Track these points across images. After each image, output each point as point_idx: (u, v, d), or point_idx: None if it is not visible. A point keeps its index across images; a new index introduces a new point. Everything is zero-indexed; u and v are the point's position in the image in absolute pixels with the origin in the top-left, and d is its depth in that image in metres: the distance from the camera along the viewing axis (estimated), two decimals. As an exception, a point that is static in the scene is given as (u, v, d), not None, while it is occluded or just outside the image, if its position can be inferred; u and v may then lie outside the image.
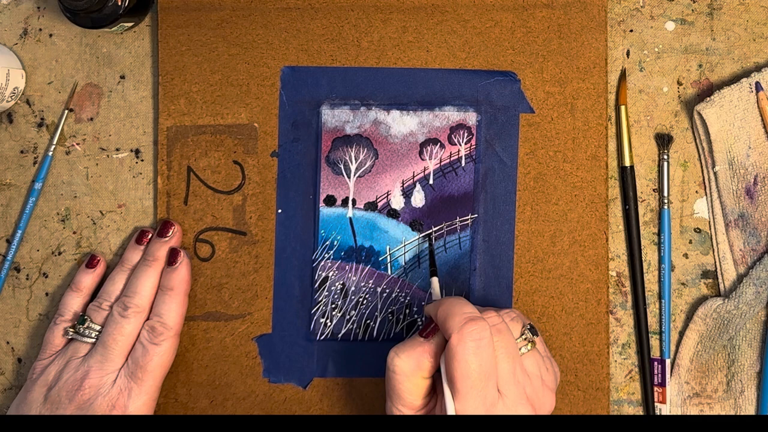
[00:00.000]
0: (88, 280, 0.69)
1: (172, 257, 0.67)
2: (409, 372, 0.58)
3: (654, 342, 0.69)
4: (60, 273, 0.71)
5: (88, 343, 0.66)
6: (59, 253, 0.71)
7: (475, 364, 0.55)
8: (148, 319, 0.66)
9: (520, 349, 0.59)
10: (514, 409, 0.56)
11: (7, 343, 0.71)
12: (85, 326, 0.66)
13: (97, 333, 0.66)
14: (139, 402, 0.64)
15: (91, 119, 0.71)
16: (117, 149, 0.71)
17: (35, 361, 0.67)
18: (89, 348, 0.66)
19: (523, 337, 0.59)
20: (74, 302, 0.68)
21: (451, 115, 0.69)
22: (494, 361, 0.56)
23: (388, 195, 0.69)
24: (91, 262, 0.69)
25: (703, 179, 0.70)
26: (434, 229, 0.69)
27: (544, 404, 0.58)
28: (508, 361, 0.57)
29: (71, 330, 0.66)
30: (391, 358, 0.59)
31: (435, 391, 0.60)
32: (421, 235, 0.69)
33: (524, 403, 0.57)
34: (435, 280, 0.66)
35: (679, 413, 0.69)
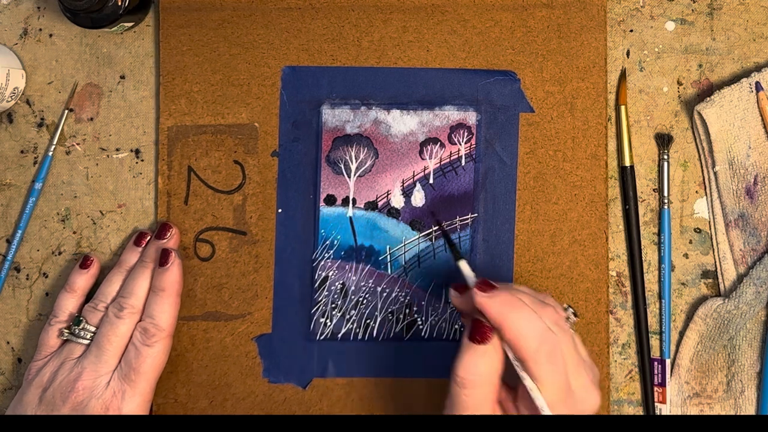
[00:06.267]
0: (81, 280, 0.68)
1: (163, 258, 0.67)
2: (481, 381, 0.55)
3: (654, 342, 0.69)
4: (60, 273, 0.71)
5: (82, 344, 0.66)
6: (59, 253, 0.71)
7: (560, 379, 0.55)
8: (141, 320, 0.66)
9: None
10: (594, 396, 0.57)
11: (7, 343, 0.71)
12: (80, 327, 0.66)
13: (91, 334, 0.66)
14: (133, 404, 0.64)
15: (91, 119, 0.71)
16: (117, 149, 0.71)
17: (31, 362, 0.67)
18: (84, 349, 0.66)
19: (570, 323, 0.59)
20: (68, 303, 0.68)
21: (451, 114, 0.69)
22: (564, 364, 0.56)
23: (388, 194, 0.69)
24: (84, 262, 0.69)
25: (703, 179, 0.70)
26: (434, 228, 0.69)
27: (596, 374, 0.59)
28: (574, 364, 0.57)
29: (66, 331, 0.66)
30: (458, 374, 0.56)
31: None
32: (426, 233, 0.69)
33: (595, 386, 0.57)
34: (464, 264, 0.60)
35: (679, 413, 0.69)
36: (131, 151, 0.71)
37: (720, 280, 0.69)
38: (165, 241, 0.68)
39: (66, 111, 0.71)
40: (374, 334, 0.69)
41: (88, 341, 0.66)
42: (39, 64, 0.71)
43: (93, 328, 0.66)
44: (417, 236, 0.69)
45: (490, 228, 0.69)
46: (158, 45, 0.70)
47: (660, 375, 0.69)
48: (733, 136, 0.68)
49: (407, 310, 0.69)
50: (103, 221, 0.71)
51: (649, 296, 0.70)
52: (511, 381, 0.58)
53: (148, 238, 0.69)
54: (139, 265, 0.67)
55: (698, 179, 0.70)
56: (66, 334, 0.66)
